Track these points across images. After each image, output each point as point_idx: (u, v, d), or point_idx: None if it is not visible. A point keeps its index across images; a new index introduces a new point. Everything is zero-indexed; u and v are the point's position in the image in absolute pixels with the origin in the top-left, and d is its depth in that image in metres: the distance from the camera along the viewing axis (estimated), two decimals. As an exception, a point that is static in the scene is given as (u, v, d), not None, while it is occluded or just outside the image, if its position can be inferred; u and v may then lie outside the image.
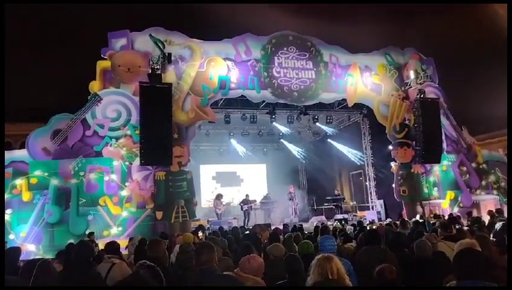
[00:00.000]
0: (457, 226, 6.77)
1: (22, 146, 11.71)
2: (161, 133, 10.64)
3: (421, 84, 13.80)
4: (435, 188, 14.01)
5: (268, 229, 8.40)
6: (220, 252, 4.29)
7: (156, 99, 10.78)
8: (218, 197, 15.60)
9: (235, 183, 20.50)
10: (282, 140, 19.39)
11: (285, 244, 4.98)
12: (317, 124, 16.37)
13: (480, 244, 3.62)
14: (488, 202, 13.45)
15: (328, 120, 16.09)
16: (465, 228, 6.90)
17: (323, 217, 15.62)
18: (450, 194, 13.68)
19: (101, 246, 7.11)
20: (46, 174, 10.32)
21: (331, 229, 8.16)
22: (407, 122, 14.25)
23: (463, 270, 2.63)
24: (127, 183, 10.88)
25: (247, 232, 8.07)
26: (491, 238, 4.72)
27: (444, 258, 3.98)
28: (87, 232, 9.71)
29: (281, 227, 9.36)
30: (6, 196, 9.99)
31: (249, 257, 3.37)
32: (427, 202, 13.65)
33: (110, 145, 11.01)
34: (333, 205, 16.85)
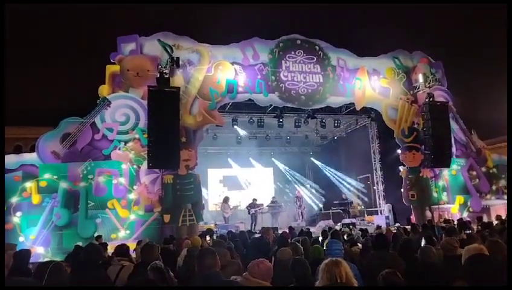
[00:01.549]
0: (467, 231, 6.70)
1: (31, 149, 11.84)
2: (169, 136, 10.69)
3: (429, 87, 13.70)
4: (444, 193, 13.85)
5: (275, 233, 8.40)
6: (228, 256, 4.28)
7: (164, 103, 10.84)
8: (226, 200, 15.60)
9: (242, 186, 20.50)
10: (289, 144, 19.37)
11: (291, 248, 4.96)
12: (324, 127, 16.37)
13: (493, 250, 3.57)
14: (499, 207, 13.27)
15: (335, 124, 16.05)
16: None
17: (330, 221, 15.53)
18: (460, 199, 13.53)
19: (109, 249, 7.14)
20: (55, 177, 10.41)
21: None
22: (415, 126, 14.15)
23: (473, 276, 2.60)
24: (135, 187, 10.95)
25: (256, 235, 8.08)
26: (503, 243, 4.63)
27: (457, 262, 3.93)
28: (95, 235, 9.77)
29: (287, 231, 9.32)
30: (16, 198, 10.10)
31: (257, 261, 3.36)
32: (436, 206, 13.50)
33: (119, 149, 11.09)
34: (341, 209, 16.76)
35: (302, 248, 4.76)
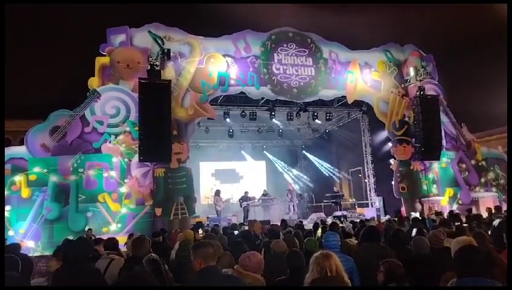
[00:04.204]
0: (456, 223, 6.78)
1: (20, 143, 11.69)
2: (160, 129, 10.62)
3: (420, 81, 13.78)
4: (434, 185, 14.02)
5: (267, 226, 8.43)
6: (221, 248, 4.28)
7: (155, 95, 10.75)
8: (217, 193, 15.61)
9: (234, 180, 20.51)
10: (281, 137, 19.40)
11: (285, 241, 4.97)
12: (316, 120, 16.42)
13: (478, 241, 3.62)
14: (487, 199, 13.47)
15: (327, 117, 16.09)
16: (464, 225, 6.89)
17: (322, 214, 15.63)
18: (449, 191, 13.70)
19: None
20: (45, 170, 10.30)
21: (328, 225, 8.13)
22: (406, 119, 14.25)
23: (463, 268, 2.62)
24: (126, 180, 10.87)
25: (246, 228, 8.10)
26: (488, 235, 4.70)
27: (445, 254, 3.98)
28: (86, 229, 9.73)
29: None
30: (5, 192, 9.96)
31: (248, 253, 3.37)
32: (426, 199, 13.66)
33: (109, 142, 10.99)
34: (332, 202, 16.87)
35: (297, 242, 4.77)
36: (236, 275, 3.09)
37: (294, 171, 21.80)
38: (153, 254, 3.82)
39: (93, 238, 7.84)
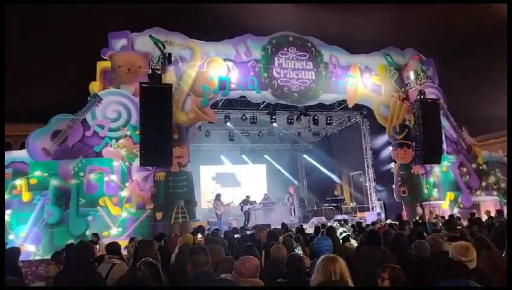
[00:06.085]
0: (457, 227, 6.78)
1: (21, 146, 11.69)
2: (161, 133, 10.64)
3: (421, 84, 13.80)
4: (435, 189, 14.01)
5: (267, 229, 8.42)
6: (223, 252, 4.28)
7: (156, 99, 10.78)
8: (218, 197, 15.58)
9: (235, 184, 20.50)
10: (282, 141, 19.42)
11: (284, 245, 4.97)
12: (317, 124, 16.43)
13: (479, 246, 3.62)
14: (488, 203, 13.46)
15: (328, 121, 16.10)
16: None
17: (323, 218, 15.60)
18: (450, 195, 13.69)
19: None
20: (46, 174, 10.31)
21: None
22: (407, 123, 14.25)
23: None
24: (126, 184, 10.88)
25: (249, 232, 8.10)
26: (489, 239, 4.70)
27: (442, 258, 3.98)
28: (87, 233, 9.73)
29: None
30: (6, 196, 9.97)
31: (243, 259, 3.35)
32: (427, 203, 13.64)
33: (110, 146, 11.00)
34: (333, 206, 16.84)
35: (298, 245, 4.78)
36: (231, 280, 3.09)
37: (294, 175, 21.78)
38: (149, 258, 3.81)
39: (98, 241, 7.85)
